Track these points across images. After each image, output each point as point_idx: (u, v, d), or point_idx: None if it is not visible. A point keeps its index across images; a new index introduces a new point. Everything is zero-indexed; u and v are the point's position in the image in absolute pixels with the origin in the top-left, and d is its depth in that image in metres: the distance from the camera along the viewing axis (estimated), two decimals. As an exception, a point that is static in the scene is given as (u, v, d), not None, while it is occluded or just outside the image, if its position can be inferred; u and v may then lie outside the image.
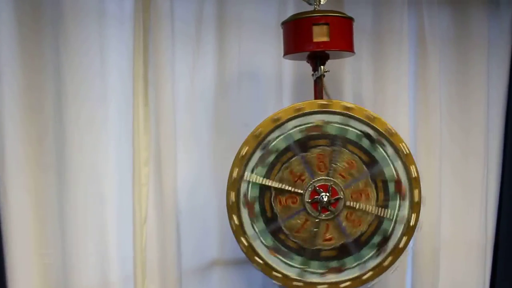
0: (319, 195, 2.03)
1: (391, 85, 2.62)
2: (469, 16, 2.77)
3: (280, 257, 2.05)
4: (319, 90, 2.15)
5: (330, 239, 2.06)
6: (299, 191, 2.04)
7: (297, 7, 2.47)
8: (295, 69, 2.51)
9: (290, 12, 2.46)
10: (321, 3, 2.10)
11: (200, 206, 2.47)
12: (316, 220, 2.04)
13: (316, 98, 2.16)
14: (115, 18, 2.31)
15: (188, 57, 2.44)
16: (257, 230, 2.03)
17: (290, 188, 2.03)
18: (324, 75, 2.07)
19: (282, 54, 2.25)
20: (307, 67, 2.36)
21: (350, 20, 2.07)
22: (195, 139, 2.47)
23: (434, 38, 2.69)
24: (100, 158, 2.29)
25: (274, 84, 2.53)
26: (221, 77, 2.48)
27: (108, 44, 2.30)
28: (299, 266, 2.06)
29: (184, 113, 2.43)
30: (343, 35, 2.04)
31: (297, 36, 2.04)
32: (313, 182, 2.05)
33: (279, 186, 2.03)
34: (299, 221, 2.05)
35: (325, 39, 1.99)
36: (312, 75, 2.16)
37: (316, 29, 1.99)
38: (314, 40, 1.99)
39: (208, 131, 2.49)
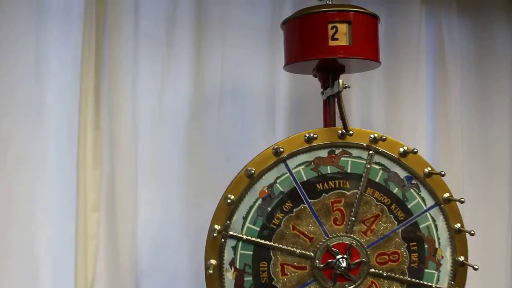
0: (334, 258, 1.39)
1: (408, 112, 2.02)
2: (491, 30, 2.22)
3: None
4: (331, 113, 1.52)
5: (349, 321, 1.42)
6: (308, 253, 1.39)
7: (296, 7, 1.86)
8: (292, 85, 1.89)
9: (287, 13, 1.85)
10: (334, -3, 1.49)
11: (167, 265, 1.77)
12: (331, 294, 1.40)
13: (327, 123, 1.53)
14: (57, 14, 1.63)
15: (156, 68, 1.77)
16: (248, 312, 1.38)
17: (295, 250, 1.38)
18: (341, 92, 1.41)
19: (276, 66, 1.77)
20: (307, 83, 1.79)
21: (375, 19, 1.46)
22: (162, 175, 1.79)
23: (455, 56, 2.13)
24: (33, 202, 1.58)
25: (265, 104, 1.89)
26: (198, 94, 1.82)
27: (46, 48, 1.62)
28: None
29: (148, 141, 1.76)
30: (367, 38, 1.43)
31: (305, 38, 1.41)
32: (327, 240, 1.41)
33: (280, 246, 1.38)
34: (307, 297, 1.40)
35: (346, 42, 1.37)
36: (322, 93, 1.54)
37: (333, 29, 1.36)
38: (330, 43, 1.37)
39: (179, 164, 1.81)
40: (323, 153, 1.42)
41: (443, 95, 2.11)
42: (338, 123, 1.52)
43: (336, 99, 1.40)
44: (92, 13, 1.64)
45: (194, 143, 1.80)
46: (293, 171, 1.41)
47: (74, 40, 1.62)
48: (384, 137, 1.41)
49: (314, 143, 1.41)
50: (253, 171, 1.37)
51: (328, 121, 1.52)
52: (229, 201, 1.37)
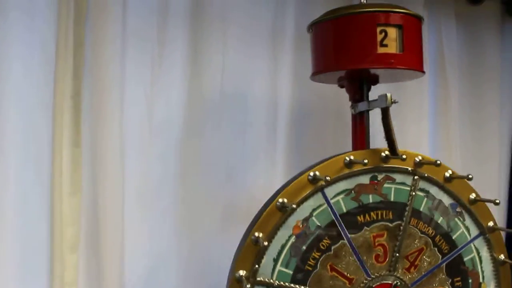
0: (378, 302, 1.15)
1: (412, 126, 1.81)
2: (481, 40, 2.07)
3: None
4: (366, 131, 1.26)
5: None
6: (349, 298, 1.13)
7: (300, 8, 1.60)
8: (296, 95, 1.61)
9: (290, 14, 1.59)
10: (372, -6, 1.24)
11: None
12: None
13: (359, 142, 1.28)
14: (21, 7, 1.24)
15: (145, 71, 1.43)
16: None
17: (334, 295, 1.12)
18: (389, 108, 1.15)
19: (279, 70, 1.56)
20: (311, 91, 1.56)
21: (421, 22, 1.22)
22: (153, 200, 1.44)
23: (453, 67, 1.95)
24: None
25: (267, 114, 1.59)
26: (194, 103, 1.49)
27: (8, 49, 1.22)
28: None
29: (136, 159, 1.41)
30: (417, 45, 1.19)
31: (347, 43, 1.15)
32: (369, 282, 1.16)
33: (319, 293, 1.11)
34: None
35: (396, 50, 1.13)
36: (352, 106, 1.28)
37: (382, 33, 1.11)
38: (379, 51, 1.11)
39: (172, 186, 1.47)
40: (365, 180, 1.17)
41: (445, 107, 1.92)
42: (374, 142, 1.29)
43: (382, 117, 1.14)
44: (68, 7, 1.28)
45: (189, 159, 1.47)
46: (332, 201, 1.14)
47: (46, 39, 1.24)
48: (439, 162, 1.18)
49: (355, 168, 1.15)
50: (286, 203, 1.09)
51: (362, 139, 1.27)
52: (257, 240, 1.08)
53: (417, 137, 1.82)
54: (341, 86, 1.31)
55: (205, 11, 1.47)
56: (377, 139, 1.53)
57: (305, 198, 1.12)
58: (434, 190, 1.22)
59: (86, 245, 1.30)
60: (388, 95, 1.12)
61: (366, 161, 1.11)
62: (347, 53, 1.15)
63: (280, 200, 1.10)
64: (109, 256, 1.29)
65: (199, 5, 1.47)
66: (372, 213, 1.17)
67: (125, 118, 1.36)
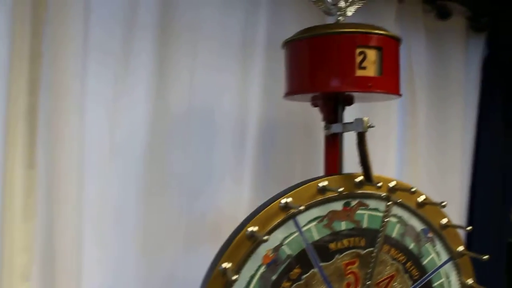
0: (349, 333, 1.10)
1: (380, 142, 1.77)
2: (448, 55, 2.07)
3: None
4: (339, 154, 1.22)
5: None
6: (321, 331, 1.09)
7: (272, 19, 1.54)
8: (265, 110, 1.55)
9: (262, 25, 1.52)
10: (347, 14, 1.19)
11: None
12: None
13: (331, 166, 1.23)
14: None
15: (108, 87, 1.34)
16: None
17: (307, 329, 1.07)
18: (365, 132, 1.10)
19: (248, 85, 1.47)
20: (281, 108, 1.51)
21: (399, 43, 1.18)
22: (114, 223, 1.35)
23: (421, 81, 1.93)
24: None
25: (236, 133, 1.52)
26: (159, 122, 1.40)
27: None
28: None
29: (96, 180, 1.32)
30: (395, 68, 1.15)
31: (324, 64, 1.09)
32: (340, 312, 1.11)
33: (291, 327, 1.05)
34: None
35: (374, 73, 1.08)
36: (325, 127, 1.23)
37: (361, 55, 1.06)
38: (358, 73, 1.07)
39: (136, 207, 1.38)
40: (338, 206, 1.12)
41: (412, 121, 1.91)
42: (348, 166, 1.24)
43: (357, 142, 1.10)
44: (25, 15, 1.17)
45: (153, 179, 1.39)
46: (303, 229, 1.09)
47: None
48: (414, 189, 1.14)
49: (329, 194, 1.10)
50: (256, 233, 1.03)
51: (334, 162, 1.22)
52: (225, 272, 1.01)
53: (385, 151, 1.80)
54: (315, 105, 1.26)
55: (174, 23, 1.39)
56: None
57: (276, 226, 1.06)
58: (406, 216, 1.19)
59: (39, 273, 1.20)
60: (365, 119, 1.07)
61: (340, 189, 1.06)
62: (324, 75, 1.09)
63: (250, 229, 1.04)
64: (64, 285, 1.19)
65: (168, 16, 1.38)
66: (344, 241, 1.12)
67: (84, 137, 1.27)
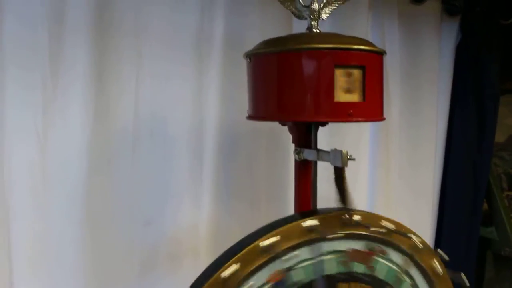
0: None
1: (351, 136, 1.60)
2: (422, 41, 1.89)
3: None
4: (310, 184, 1.02)
5: None
6: None
7: (230, 17, 1.30)
8: (223, 120, 1.32)
9: (219, 21, 1.28)
10: (322, 18, 0.97)
11: None
12: None
13: (303, 195, 1.04)
14: None
15: (36, 94, 1.08)
16: None
17: None
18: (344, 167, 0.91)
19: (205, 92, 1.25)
20: (242, 115, 1.26)
21: (383, 58, 0.97)
22: (53, 260, 1.12)
23: (394, 71, 1.76)
24: None
25: (191, 146, 1.30)
26: (100, 138, 1.16)
27: None
28: None
29: (27, 213, 1.08)
30: (379, 89, 0.94)
31: (294, 87, 0.87)
32: None
33: None
34: None
35: (357, 98, 0.87)
36: (296, 151, 1.03)
37: (342, 77, 0.85)
38: (337, 99, 0.86)
39: (79, 238, 1.15)
40: (360, 246, 0.94)
41: (385, 114, 1.74)
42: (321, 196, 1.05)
43: (335, 176, 0.90)
44: None
45: (96, 205, 1.16)
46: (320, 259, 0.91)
47: None
48: (410, 235, 0.96)
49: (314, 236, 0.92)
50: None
51: (306, 194, 1.03)
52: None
53: (356, 146, 1.63)
54: (283, 124, 1.05)
55: (114, 25, 1.13)
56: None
57: (294, 247, 0.89)
58: (420, 280, 1.01)
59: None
60: (344, 152, 0.88)
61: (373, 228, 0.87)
62: (295, 101, 0.87)
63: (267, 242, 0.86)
64: None
65: (106, 16, 1.12)
66: (355, 284, 0.95)
67: (8, 166, 1.02)
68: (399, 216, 1.83)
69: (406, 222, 1.83)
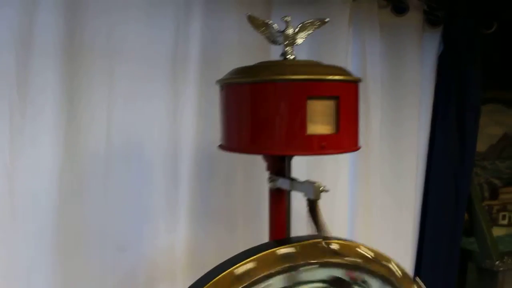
0: None
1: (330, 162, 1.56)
2: (403, 53, 1.86)
3: None
4: (284, 212, 0.99)
5: None
6: None
7: (207, 34, 1.25)
8: (200, 140, 1.27)
9: (196, 39, 1.24)
10: (297, 42, 0.93)
11: None
12: None
13: (277, 224, 1.00)
14: None
15: (2, 122, 1.02)
16: None
17: None
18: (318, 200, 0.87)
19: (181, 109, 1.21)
20: (217, 135, 1.20)
21: (358, 85, 0.94)
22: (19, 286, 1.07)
23: (376, 82, 1.72)
24: None
25: (165, 166, 1.25)
26: (71, 162, 1.11)
27: None
28: None
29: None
30: (354, 119, 0.90)
31: (265, 119, 0.84)
32: None
33: None
34: None
35: (330, 130, 0.84)
36: (270, 179, 0.99)
37: (314, 109, 0.82)
38: (309, 132, 0.82)
39: (50, 268, 1.10)
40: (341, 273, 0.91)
41: (365, 130, 1.71)
42: (296, 225, 1.02)
43: (308, 209, 0.87)
44: None
45: (68, 232, 1.11)
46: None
47: None
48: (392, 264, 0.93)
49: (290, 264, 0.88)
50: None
51: (281, 223, 0.99)
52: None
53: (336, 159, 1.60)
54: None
55: (84, 46, 1.08)
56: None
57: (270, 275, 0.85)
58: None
59: None
60: (316, 184, 0.84)
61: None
62: (267, 134, 0.83)
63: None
64: None
65: (76, 38, 1.06)
66: None
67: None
68: (380, 228, 1.84)
69: (387, 234, 1.84)
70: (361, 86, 1.61)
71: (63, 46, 1.05)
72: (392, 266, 1.00)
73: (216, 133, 1.25)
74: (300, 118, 0.81)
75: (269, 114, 0.82)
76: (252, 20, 0.94)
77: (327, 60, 1.50)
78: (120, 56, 1.13)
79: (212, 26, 1.25)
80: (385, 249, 1.76)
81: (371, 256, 0.98)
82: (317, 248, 0.91)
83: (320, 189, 0.85)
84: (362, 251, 0.97)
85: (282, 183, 0.96)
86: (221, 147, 0.94)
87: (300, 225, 0.96)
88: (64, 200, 1.09)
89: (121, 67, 1.13)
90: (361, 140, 1.67)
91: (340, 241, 0.95)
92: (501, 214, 2.16)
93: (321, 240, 0.90)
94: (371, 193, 1.76)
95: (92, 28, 1.09)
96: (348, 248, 0.95)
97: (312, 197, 0.85)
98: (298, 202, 0.97)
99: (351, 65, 1.64)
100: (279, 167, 0.96)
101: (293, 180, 0.93)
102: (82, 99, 1.10)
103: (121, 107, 1.15)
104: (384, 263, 0.99)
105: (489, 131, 2.19)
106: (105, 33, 1.10)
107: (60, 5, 1.06)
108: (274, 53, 1.17)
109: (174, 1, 1.21)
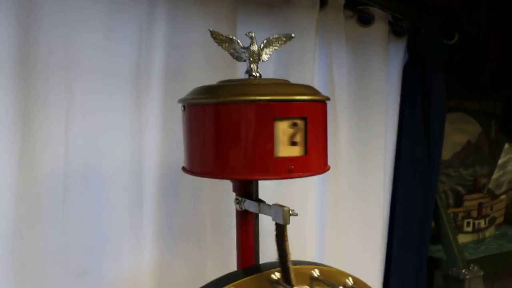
0: None
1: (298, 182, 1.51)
2: (369, 63, 1.84)
3: None
4: (252, 236, 0.93)
5: None
6: None
7: (170, 44, 1.19)
8: (165, 157, 1.21)
9: (159, 50, 1.17)
10: (263, 59, 0.89)
11: None
12: None
13: (245, 248, 0.95)
14: None
15: None
16: None
17: None
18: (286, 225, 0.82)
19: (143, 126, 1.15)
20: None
21: (326, 104, 0.89)
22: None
23: (343, 92, 1.70)
24: None
25: (132, 186, 1.18)
26: (25, 186, 1.02)
27: None
28: None
29: None
30: (323, 139, 0.86)
31: (229, 142, 0.78)
32: None
33: None
34: None
35: (299, 152, 0.79)
36: (237, 201, 0.93)
37: (282, 130, 0.77)
38: (277, 155, 0.77)
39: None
40: None
41: (333, 139, 1.68)
42: (265, 249, 0.97)
43: (276, 233, 0.82)
44: None
45: (23, 260, 1.02)
46: None
47: None
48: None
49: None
50: None
51: (249, 243, 0.94)
52: None
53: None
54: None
55: (39, 60, 1.00)
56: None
57: None
58: None
59: None
60: (285, 209, 0.79)
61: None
62: (233, 158, 0.78)
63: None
64: None
65: (29, 52, 0.98)
66: None
67: None
68: (350, 241, 1.81)
69: (357, 246, 1.81)
70: (329, 94, 1.62)
71: (17, 60, 0.97)
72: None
73: (181, 150, 1.20)
74: (267, 141, 0.76)
75: (234, 137, 0.77)
76: (215, 35, 0.89)
77: (294, 69, 1.51)
78: (78, 69, 1.05)
79: (176, 39, 1.19)
80: (355, 261, 1.76)
81: (350, 283, 0.93)
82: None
83: (290, 213, 0.80)
84: (342, 278, 0.92)
85: (249, 205, 0.90)
86: (185, 170, 0.89)
87: (270, 243, 0.92)
88: (19, 224, 1.00)
89: (80, 81, 1.06)
90: (329, 149, 1.69)
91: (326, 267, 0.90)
92: (465, 221, 2.18)
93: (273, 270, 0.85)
94: (340, 200, 1.73)
95: (48, 39, 1.01)
96: (328, 274, 0.90)
97: (281, 222, 0.80)
98: (268, 221, 0.93)
99: (318, 75, 1.61)
100: (246, 189, 0.91)
101: (260, 202, 0.88)
102: (38, 116, 1.02)
103: (80, 124, 1.07)
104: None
105: (453, 138, 2.21)
106: (62, 45, 1.03)
107: (13, 18, 0.98)
108: (241, 68, 1.12)
109: (136, 13, 1.14)
